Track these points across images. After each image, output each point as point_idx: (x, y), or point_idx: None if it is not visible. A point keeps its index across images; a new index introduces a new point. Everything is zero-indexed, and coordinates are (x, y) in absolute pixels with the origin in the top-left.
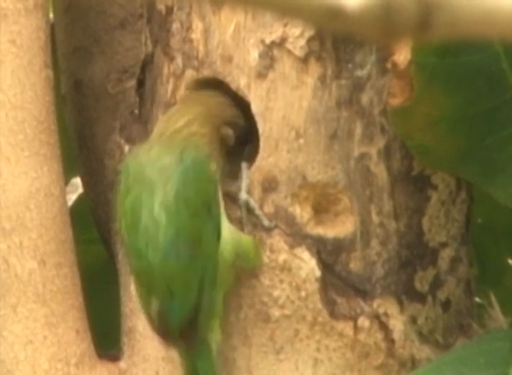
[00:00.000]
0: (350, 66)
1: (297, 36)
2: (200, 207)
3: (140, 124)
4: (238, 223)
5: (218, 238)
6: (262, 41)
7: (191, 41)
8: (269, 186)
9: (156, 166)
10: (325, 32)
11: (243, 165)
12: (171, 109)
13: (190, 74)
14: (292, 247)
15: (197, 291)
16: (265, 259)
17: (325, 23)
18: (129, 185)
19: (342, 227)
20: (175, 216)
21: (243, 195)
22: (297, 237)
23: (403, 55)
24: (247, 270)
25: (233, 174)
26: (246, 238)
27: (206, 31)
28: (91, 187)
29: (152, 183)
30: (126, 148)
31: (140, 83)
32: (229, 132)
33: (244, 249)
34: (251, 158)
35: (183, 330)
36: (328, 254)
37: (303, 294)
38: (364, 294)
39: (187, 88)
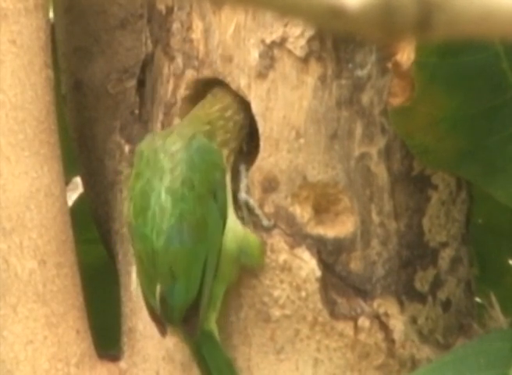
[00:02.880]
0: (350, 65)
1: (298, 36)
2: (205, 193)
3: (140, 124)
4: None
5: (224, 225)
6: (262, 41)
7: (191, 40)
8: (269, 186)
9: (168, 152)
10: (326, 32)
11: (242, 166)
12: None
13: (190, 74)
14: (292, 247)
15: (200, 277)
16: (266, 259)
17: (326, 23)
18: (140, 170)
19: (342, 227)
20: (180, 200)
21: (242, 196)
22: (298, 237)
23: (405, 55)
24: (248, 268)
25: (233, 174)
26: (252, 236)
27: (206, 31)
28: (91, 187)
29: (162, 168)
30: (127, 148)
31: (141, 83)
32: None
33: (249, 246)
34: (250, 158)
35: (185, 316)
36: (329, 254)
37: (303, 294)
38: (365, 294)
39: (187, 88)
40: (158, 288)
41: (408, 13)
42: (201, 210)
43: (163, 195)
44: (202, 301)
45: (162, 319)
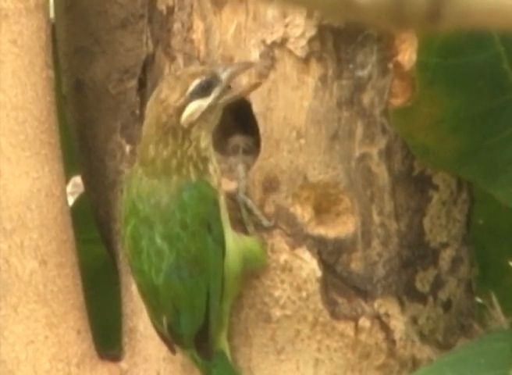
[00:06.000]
0: (351, 66)
1: (298, 36)
2: (198, 228)
3: (141, 124)
4: (240, 224)
5: (223, 251)
6: (263, 42)
7: (192, 41)
8: (270, 186)
9: (150, 202)
10: (327, 31)
11: (240, 166)
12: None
13: None
14: (293, 247)
15: (204, 306)
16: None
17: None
18: (126, 215)
19: (343, 227)
20: (176, 241)
21: (241, 196)
22: (298, 237)
23: (407, 56)
24: (252, 270)
25: (233, 174)
26: (250, 241)
27: (207, 31)
28: (92, 187)
29: (148, 217)
30: (127, 148)
31: (141, 84)
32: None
33: (252, 252)
34: (250, 158)
35: (196, 341)
36: (329, 254)
37: (304, 294)
38: (365, 294)
39: None
40: (164, 319)
41: (419, 4)
42: (196, 246)
43: (158, 240)
44: (211, 326)
45: (174, 343)
